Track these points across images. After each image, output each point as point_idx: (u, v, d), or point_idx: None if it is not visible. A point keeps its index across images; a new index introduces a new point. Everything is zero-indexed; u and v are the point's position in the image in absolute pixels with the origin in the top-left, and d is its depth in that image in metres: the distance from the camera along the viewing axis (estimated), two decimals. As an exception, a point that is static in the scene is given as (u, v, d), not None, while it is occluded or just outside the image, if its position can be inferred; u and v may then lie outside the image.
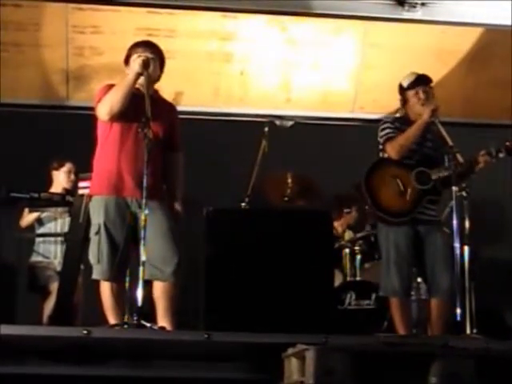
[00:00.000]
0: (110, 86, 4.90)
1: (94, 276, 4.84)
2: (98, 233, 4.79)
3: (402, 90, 5.45)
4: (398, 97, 5.50)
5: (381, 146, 5.43)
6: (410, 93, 5.41)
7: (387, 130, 5.38)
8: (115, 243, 4.78)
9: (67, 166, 6.62)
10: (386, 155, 5.40)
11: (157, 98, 5.01)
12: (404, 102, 5.47)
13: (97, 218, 4.83)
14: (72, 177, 6.57)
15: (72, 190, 6.19)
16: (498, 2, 5.91)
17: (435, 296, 5.26)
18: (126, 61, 4.97)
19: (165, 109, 5.05)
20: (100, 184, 4.87)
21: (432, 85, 5.47)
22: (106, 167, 4.85)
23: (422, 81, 5.41)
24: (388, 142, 5.35)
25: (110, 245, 4.78)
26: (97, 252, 4.79)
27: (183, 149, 5.08)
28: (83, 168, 5.23)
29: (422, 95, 5.37)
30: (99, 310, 4.84)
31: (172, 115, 5.10)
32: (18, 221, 6.51)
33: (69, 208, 6.00)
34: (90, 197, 4.94)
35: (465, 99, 7.27)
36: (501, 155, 5.31)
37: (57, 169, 6.65)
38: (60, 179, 6.62)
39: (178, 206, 4.95)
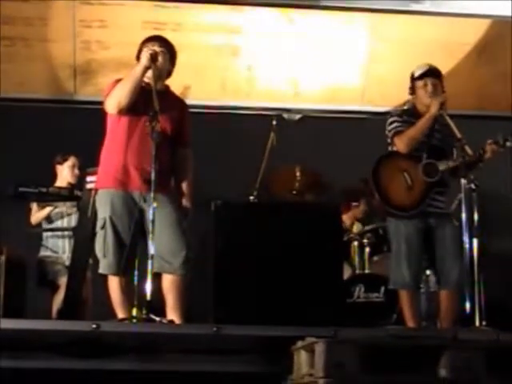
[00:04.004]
0: (120, 80, 4.88)
1: (101, 270, 4.83)
2: (103, 227, 4.77)
3: (413, 79, 5.42)
4: (408, 85, 5.47)
5: (389, 140, 5.42)
6: (419, 83, 5.38)
7: (395, 124, 5.36)
8: (121, 237, 4.76)
9: (71, 161, 6.61)
10: (394, 148, 5.39)
11: (167, 93, 4.99)
12: (412, 91, 5.44)
13: (103, 212, 4.81)
14: (76, 171, 6.57)
15: (76, 185, 6.20)
16: (506, -7, 5.90)
17: (445, 287, 5.24)
18: (138, 57, 4.93)
19: (175, 104, 5.02)
20: (106, 178, 4.85)
21: (442, 78, 5.44)
22: (112, 161, 4.83)
23: (431, 73, 5.37)
24: (397, 136, 5.32)
25: (117, 239, 4.76)
26: (103, 246, 4.77)
27: (191, 143, 5.07)
28: (91, 163, 5.21)
29: (429, 87, 5.34)
30: (108, 304, 4.84)
31: (182, 111, 5.05)
32: (27, 216, 6.51)
33: (77, 202, 6.01)
34: (96, 190, 4.92)
35: (473, 91, 7.25)
36: (508, 144, 5.28)
37: (61, 163, 6.64)
38: (64, 174, 6.61)
39: (186, 202, 4.95)
